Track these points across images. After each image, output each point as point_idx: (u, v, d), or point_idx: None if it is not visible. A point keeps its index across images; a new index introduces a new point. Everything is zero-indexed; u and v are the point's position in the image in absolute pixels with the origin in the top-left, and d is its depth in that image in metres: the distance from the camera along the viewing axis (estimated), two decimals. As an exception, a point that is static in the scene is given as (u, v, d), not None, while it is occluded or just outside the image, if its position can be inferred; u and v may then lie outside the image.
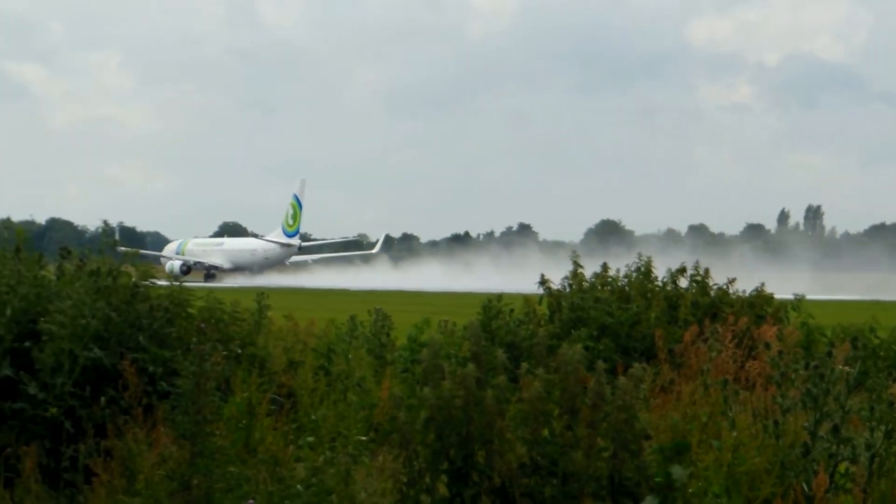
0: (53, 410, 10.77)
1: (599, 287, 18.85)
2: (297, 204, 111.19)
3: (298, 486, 8.46)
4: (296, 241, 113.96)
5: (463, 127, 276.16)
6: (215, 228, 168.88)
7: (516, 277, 42.65)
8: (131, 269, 12.45)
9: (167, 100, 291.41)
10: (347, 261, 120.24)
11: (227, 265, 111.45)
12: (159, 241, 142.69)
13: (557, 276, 19.21)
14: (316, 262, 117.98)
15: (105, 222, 14.36)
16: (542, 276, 19.19)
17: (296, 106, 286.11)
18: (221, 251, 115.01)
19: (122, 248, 12.86)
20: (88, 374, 11.11)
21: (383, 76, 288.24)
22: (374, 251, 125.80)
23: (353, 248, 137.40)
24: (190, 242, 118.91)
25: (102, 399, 10.91)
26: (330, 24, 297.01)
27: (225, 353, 10.21)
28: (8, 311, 11.35)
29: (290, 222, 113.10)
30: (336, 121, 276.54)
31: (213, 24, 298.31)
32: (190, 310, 12.48)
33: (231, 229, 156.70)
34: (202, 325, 10.50)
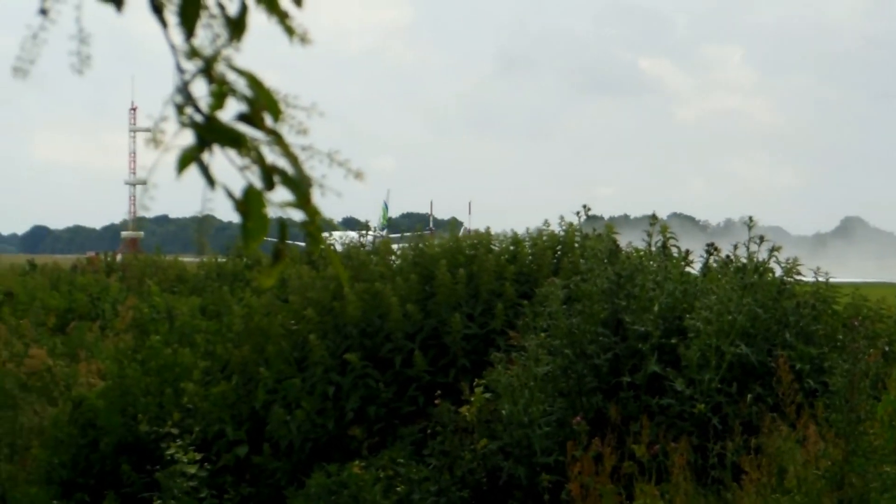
0: (701, 407, 11.38)
1: None
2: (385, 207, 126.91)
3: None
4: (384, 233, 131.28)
5: None
6: (836, 224, 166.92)
7: None
8: (776, 266, 13.13)
9: (790, 92, 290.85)
10: None
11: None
12: (779, 237, 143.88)
13: None
14: None
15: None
16: None
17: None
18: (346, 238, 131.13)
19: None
20: (734, 370, 11.74)
21: None
22: None
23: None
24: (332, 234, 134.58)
25: (749, 396, 11.47)
26: None
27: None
28: (655, 308, 12.43)
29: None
30: None
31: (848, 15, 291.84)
32: (835, 307, 12.93)
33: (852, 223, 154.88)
34: (855, 322, 10.86)
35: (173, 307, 20.36)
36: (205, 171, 2.62)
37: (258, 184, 2.62)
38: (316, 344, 14.38)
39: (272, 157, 2.61)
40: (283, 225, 2.69)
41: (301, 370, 14.67)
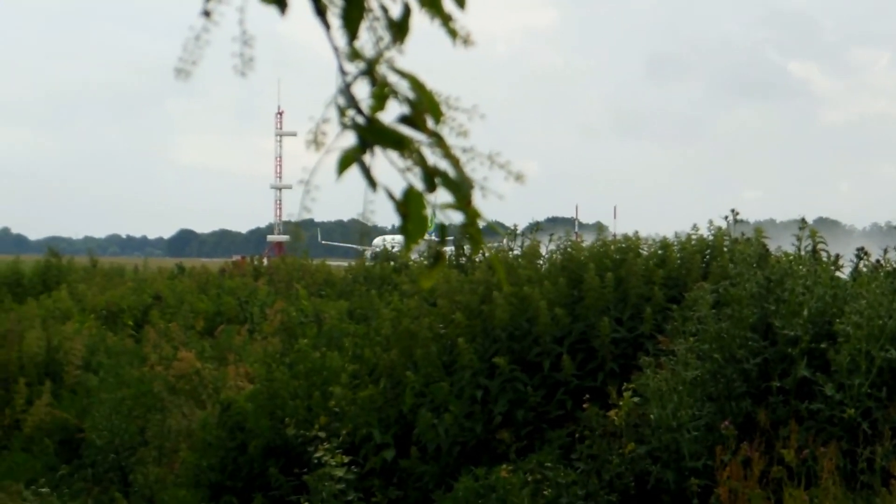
0: (850, 412, 11.18)
1: None
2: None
3: None
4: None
5: None
6: None
7: None
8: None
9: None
10: None
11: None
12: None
13: None
14: None
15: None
16: None
17: None
18: (394, 243, 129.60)
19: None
20: (884, 374, 11.49)
21: None
22: None
23: None
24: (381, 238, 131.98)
25: (901, 402, 11.30)
26: None
27: None
28: (805, 312, 12.23)
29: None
30: None
31: None
32: None
33: None
34: None
35: (321, 311, 20.70)
36: (366, 172, 2.65)
37: (419, 185, 2.65)
38: (464, 347, 14.46)
39: (433, 159, 2.64)
40: (442, 227, 2.72)
41: (449, 374, 14.76)
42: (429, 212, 2.67)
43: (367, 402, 15.01)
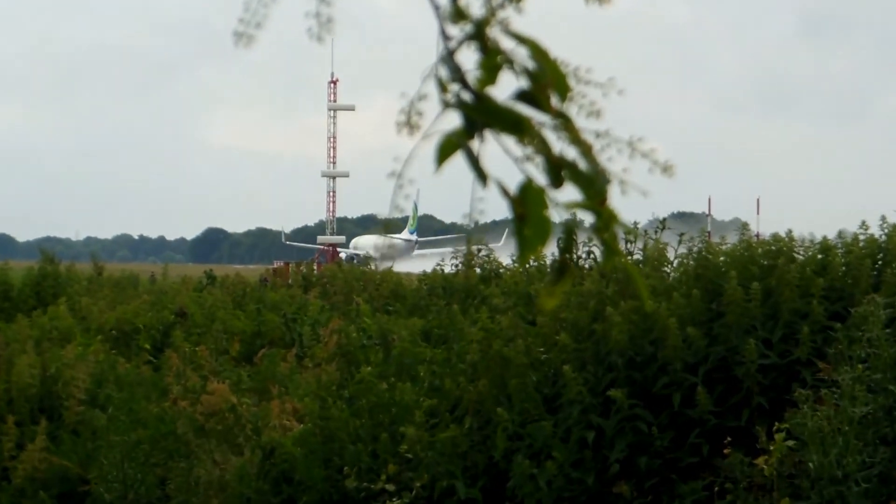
0: None
1: None
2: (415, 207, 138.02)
3: None
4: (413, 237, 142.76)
5: None
6: None
7: None
8: None
9: None
10: None
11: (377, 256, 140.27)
12: None
13: None
14: None
15: None
16: None
17: None
18: (373, 245, 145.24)
19: None
20: None
21: None
22: None
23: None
24: (358, 239, 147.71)
25: None
26: None
27: None
28: None
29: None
30: None
31: None
32: None
33: None
34: None
35: (389, 331, 20.76)
36: (474, 162, 2.67)
37: (540, 179, 2.66)
38: (571, 377, 14.45)
39: (559, 145, 2.65)
40: (570, 231, 2.74)
41: (552, 411, 14.76)
42: (552, 213, 2.68)
43: (449, 447, 15.05)
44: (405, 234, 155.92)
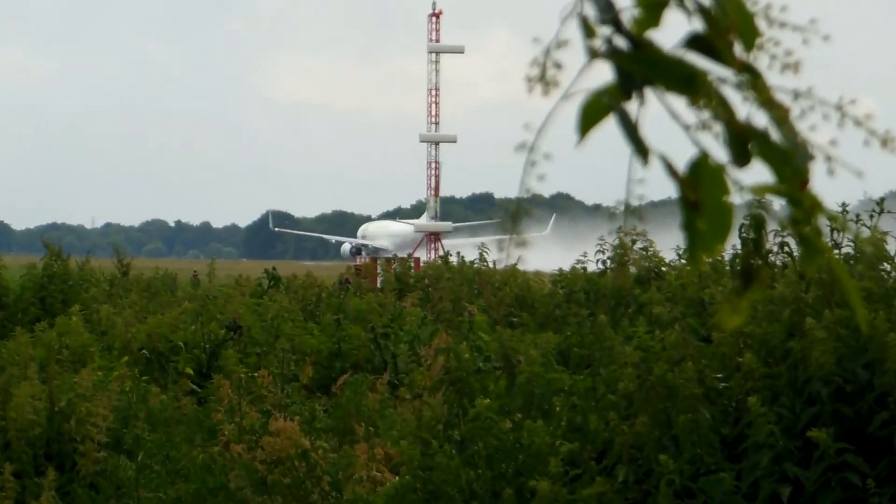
0: None
1: None
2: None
3: None
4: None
5: None
6: None
7: None
8: None
9: None
10: None
11: (391, 247, 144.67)
12: None
13: None
14: None
15: None
16: None
17: None
18: (387, 233, 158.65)
19: None
20: None
21: None
22: None
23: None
24: (367, 226, 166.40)
25: None
26: None
27: None
28: None
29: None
30: None
31: None
32: None
33: None
34: None
35: (513, 350, 20.77)
36: (630, 130, 2.70)
37: (719, 154, 2.68)
38: (759, 413, 14.43)
39: (744, 109, 2.67)
40: (757, 222, 2.77)
41: (733, 458, 14.75)
42: (734, 199, 2.69)
43: (594, 506, 15.09)
44: (423, 220, 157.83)
